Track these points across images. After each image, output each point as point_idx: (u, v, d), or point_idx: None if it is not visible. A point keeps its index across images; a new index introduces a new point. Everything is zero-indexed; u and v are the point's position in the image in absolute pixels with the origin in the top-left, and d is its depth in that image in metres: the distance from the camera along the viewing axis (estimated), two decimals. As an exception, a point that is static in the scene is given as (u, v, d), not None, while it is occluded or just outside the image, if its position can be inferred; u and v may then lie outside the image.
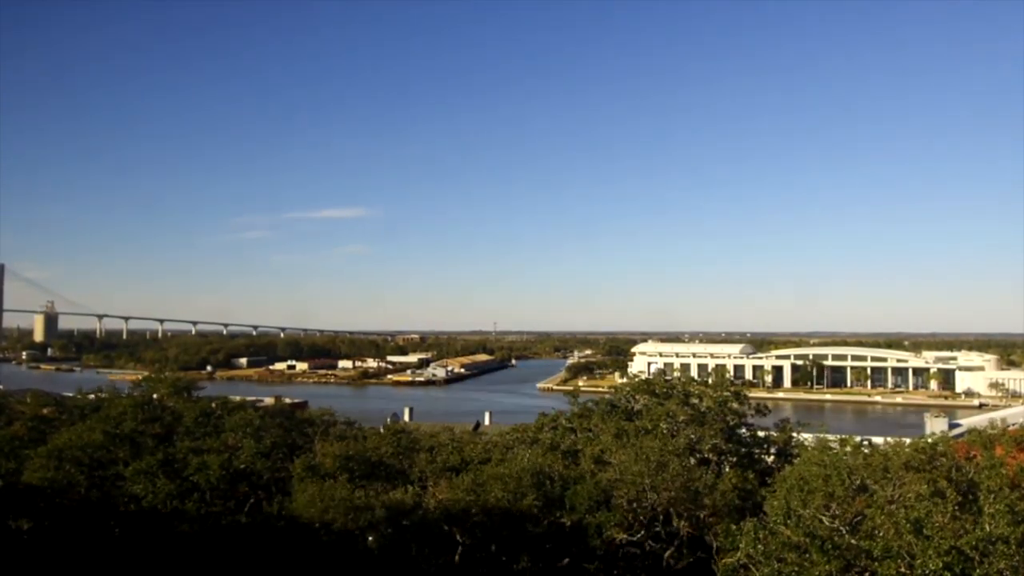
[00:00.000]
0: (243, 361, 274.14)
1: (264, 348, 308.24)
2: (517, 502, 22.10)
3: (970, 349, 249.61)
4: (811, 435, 33.56)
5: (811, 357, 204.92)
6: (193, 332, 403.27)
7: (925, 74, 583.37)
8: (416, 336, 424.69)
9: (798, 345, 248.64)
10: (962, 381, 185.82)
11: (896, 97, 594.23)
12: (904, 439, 32.20)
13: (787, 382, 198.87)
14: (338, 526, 21.11)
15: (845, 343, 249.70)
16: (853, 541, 15.88)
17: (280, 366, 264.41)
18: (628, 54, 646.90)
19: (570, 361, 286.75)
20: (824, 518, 17.60)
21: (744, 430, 33.50)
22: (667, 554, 22.09)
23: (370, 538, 21.77)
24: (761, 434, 33.47)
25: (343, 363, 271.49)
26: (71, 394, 66.85)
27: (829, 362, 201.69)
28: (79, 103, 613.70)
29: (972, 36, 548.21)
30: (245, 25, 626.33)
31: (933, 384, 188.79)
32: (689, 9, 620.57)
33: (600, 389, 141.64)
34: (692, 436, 30.97)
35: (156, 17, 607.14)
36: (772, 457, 32.99)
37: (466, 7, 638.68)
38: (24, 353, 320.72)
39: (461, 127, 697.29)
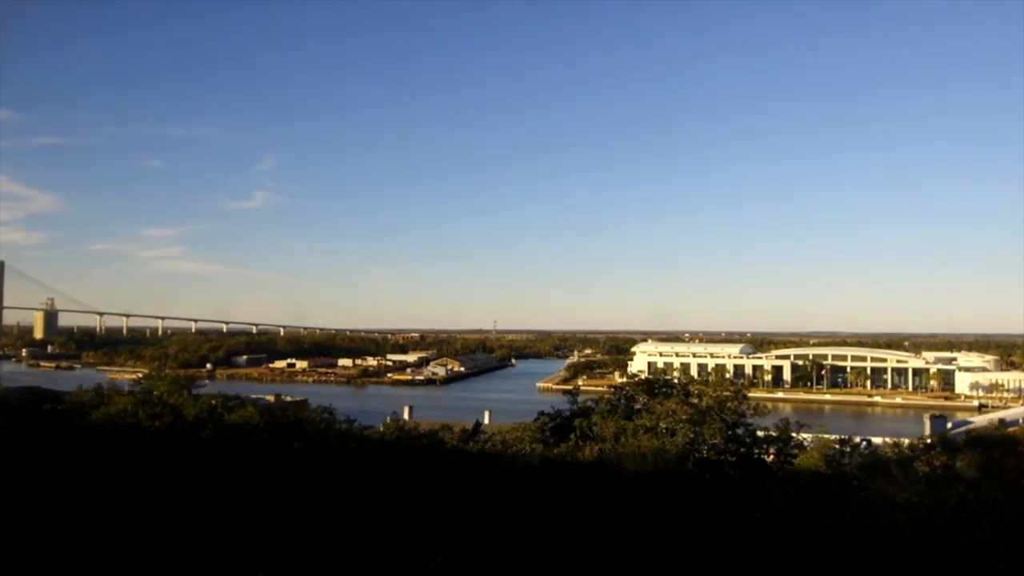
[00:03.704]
0: (243, 359, 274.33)
1: (264, 346, 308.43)
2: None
3: (970, 350, 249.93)
4: (811, 435, 33.57)
5: (811, 357, 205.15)
6: (193, 330, 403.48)
7: (925, 73, 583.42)
8: (416, 334, 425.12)
9: (798, 345, 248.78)
10: (962, 382, 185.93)
11: (897, 96, 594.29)
12: (903, 439, 32.24)
13: (787, 382, 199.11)
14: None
15: (845, 343, 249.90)
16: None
17: (280, 364, 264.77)
18: (629, 51, 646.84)
19: (570, 360, 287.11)
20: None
21: (743, 429, 33.44)
22: (666, 551, 22.06)
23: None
24: (760, 434, 33.41)
25: (343, 361, 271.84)
26: (71, 391, 66.74)
27: (829, 362, 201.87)
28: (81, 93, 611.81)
29: (973, 35, 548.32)
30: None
31: (933, 385, 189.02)
32: (691, 5, 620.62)
33: (600, 388, 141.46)
34: (691, 435, 30.95)
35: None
36: (771, 457, 32.96)
37: (468, 2, 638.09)
38: (24, 350, 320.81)
39: (459, 125, 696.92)
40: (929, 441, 30.90)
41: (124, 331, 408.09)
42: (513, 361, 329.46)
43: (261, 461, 21.81)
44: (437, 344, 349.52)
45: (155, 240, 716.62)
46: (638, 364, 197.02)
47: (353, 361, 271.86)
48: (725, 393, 35.29)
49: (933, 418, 61.05)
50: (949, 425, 60.75)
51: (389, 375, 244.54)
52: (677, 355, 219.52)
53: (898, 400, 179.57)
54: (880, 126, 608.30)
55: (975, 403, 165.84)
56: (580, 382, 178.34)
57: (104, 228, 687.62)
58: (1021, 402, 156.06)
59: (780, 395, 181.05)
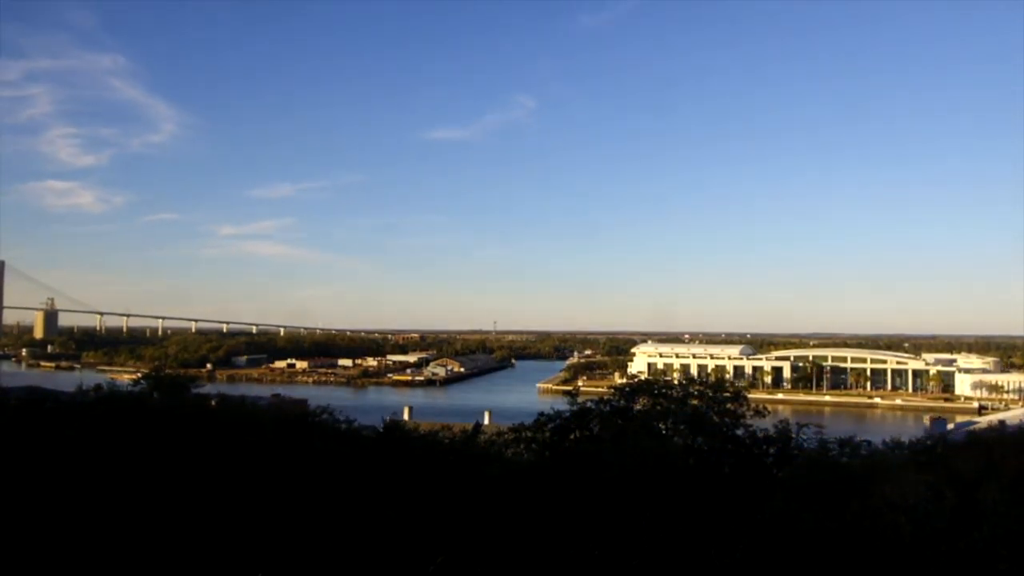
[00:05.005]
0: (243, 359, 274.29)
1: (264, 346, 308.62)
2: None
3: (970, 351, 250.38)
4: (810, 436, 33.54)
5: (811, 358, 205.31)
6: (193, 330, 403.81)
7: (925, 73, 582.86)
8: (416, 335, 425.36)
9: (798, 346, 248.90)
10: (962, 383, 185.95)
11: (897, 96, 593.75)
12: (903, 440, 32.20)
13: (787, 383, 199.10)
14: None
15: (845, 344, 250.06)
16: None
17: (280, 364, 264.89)
18: (628, 49, 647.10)
19: (570, 361, 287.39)
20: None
21: (743, 431, 33.47)
22: (666, 552, 22.07)
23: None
24: (760, 435, 33.45)
25: (343, 362, 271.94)
26: (71, 391, 66.90)
27: (829, 363, 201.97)
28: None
29: (973, 35, 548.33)
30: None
31: (933, 386, 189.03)
32: (690, 5, 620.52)
33: (600, 389, 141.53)
34: (690, 436, 30.99)
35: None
36: (771, 459, 32.97)
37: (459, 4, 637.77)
38: (24, 350, 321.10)
39: (457, 123, 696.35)
40: (929, 442, 30.90)
41: (124, 331, 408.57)
42: (513, 362, 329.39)
43: (261, 459, 21.87)
44: (437, 345, 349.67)
45: (256, 206, 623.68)
46: (638, 365, 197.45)
47: (353, 361, 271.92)
48: (725, 394, 35.35)
49: (933, 420, 61.12)
50: (950, 427, 60.74)
51: (389, 375, 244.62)
52: (677, 356, 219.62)
53: (898, 402, 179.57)
54: (880, 125, 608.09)
55: (975, 404, 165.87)
56: (580, 383, 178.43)
57: (198, 190, 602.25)
58: (1021, 403, 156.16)
59: (780, 396, 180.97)
